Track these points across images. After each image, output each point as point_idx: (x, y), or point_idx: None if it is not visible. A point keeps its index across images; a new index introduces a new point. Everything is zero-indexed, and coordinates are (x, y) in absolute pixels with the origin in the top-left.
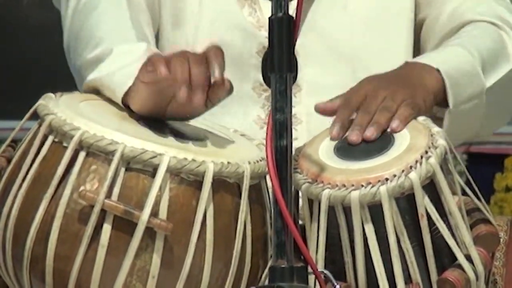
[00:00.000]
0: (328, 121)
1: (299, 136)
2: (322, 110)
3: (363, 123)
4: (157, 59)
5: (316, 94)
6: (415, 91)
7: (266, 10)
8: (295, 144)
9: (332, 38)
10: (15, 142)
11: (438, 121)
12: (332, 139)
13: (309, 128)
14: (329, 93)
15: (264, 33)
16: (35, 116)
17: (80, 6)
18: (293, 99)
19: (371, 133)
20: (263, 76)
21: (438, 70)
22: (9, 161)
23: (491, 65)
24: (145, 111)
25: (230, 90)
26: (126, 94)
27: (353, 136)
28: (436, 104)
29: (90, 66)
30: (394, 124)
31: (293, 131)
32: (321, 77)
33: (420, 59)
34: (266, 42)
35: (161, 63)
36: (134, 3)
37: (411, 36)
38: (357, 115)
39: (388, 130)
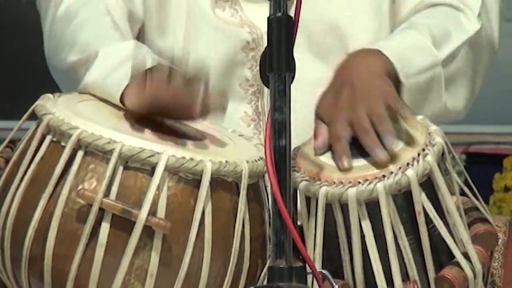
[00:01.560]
0: (312, 114)
1: None
2: (322, 149)
3: (375, 142)
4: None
5: (300, 87)
6: (380, 85)
7: (247, 9)
8: None
9: (315, 32)
10: (13, 143)
11: None
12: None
13: (295, 122)
14: (313, 86)
15: (247, 29)
16: (34, 116)
17: (60, 13)
18: None
19: (393, 143)
20: (261, 76)
21: (379, 51)
22: (7, 161)
23: (444, 38)
24: (141, 110)
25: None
26: (123, 94)
27: (381, 156)
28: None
29: (78, 70)
30: (407, 114)
31: (291, 112)
32: (304, 70)
33: (359, 48)
34: (249, 38)
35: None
36: (112, 11)
37: (389, 27)
38: (363, 139)
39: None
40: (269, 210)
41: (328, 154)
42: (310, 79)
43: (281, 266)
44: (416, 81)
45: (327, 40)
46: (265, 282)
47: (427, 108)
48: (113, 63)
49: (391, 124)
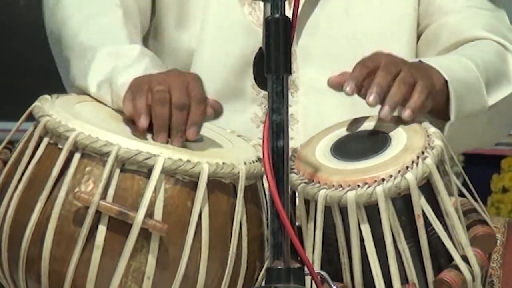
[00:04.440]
0: (324, 121)
1: (295, 136)
2: (334, 84)
3: (383, 84)
4: (141, 105)
5: (313, 95)
6: (426, 78)
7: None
8: (291, 144)
9: (332, 42)
10: (11, 144)
11: None
12: (347, 93)
13: (306, 128)
14: (326, 94)
15: None
16: (32, 117)
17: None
18: (291, 98)
19: (385, 113)
20: (254, 76)
21: (446, 81)
22: (5, 163)
23: (494, 83)
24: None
25: (219, 114)
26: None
27: (370, 97)
28: (432, 112)
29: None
30: (406, 113)
31: (290, 130)
32: (319, 78)
33: (429, 61)
34: None
35: (143, 110)
36: (125, 3)
37: (413, 44)
38: (377, 74)
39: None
40: (267, 211)
41: (328, 155)
42: (325, 87)
43: (279, 267)
44: (461, 123)
45: (344, 50)
46: (263, 284)
47: (461, 145)
48: (117, 65)
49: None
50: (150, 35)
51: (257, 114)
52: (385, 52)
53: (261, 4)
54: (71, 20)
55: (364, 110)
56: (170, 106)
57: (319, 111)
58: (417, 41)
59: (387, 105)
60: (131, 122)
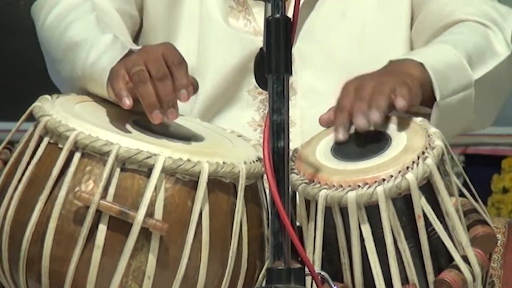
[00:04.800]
0: (321, 126)
1: (293, 139)
2: (325, 123)
3: (363, 109)
4: (119, 87)
5: (310, 98)
6: (401, 77)
7: (260, 19)
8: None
9: (329, 44)
10: (11, 144)
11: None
12: (338, 142)
13: (303, 131)
14: (323, 97)
15: (261, 37)
16: (32, 117)
17: (49, 20)
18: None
19: (376, 117)
20: (255, 76)
21: (422, 64)
22: (5, 163)
23: (478, 59)
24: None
25: (196, 89)
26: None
27: (359, 121)
28: (422, 100)
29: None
30: (399, 101)
31: (289, 113)
32: (316, 81)
33: (403, 56)
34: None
35: (122, 91)
36: (99, 7)
37: (408, 41)
38: (355, 105)
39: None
40: (267, 211)
41: (328, 155)
42: (322, 90)
43: (280, 267)
44: (449, 101)
45: (341, 53)
46: (263, 284)
47: (454, 126)
48: (95, 55)
49: (388, 105)
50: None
51: (254, 119)
52: (355, 78)
53: (257, 15)
54: (51, 38)
55: None
56: (153, 81)
57: (316, 114)
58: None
59: (373, 111)
60: (131, 121)
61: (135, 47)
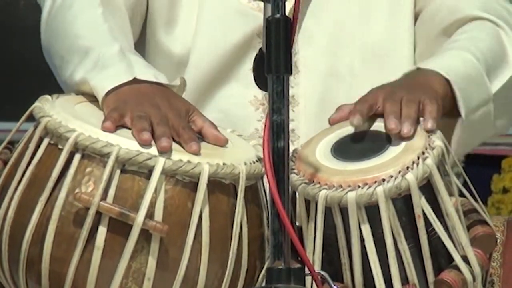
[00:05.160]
0: (324, 104)
1: (296, 118)
2: (336, 120)
3: (397, 111)
4: (112, 120)
5: (314, 77)
6: (431, 93)
7: None
8: (291, 126)
9: (332, 24)
10: (12, 144)
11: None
12: (354, 125)
13: (307, 111)
14: (327, 77)
15: None
16: (33, 118)
17: (57, 4)
18: (291, 80)
19: (408, 129)
20: (254, 76)
21: (447, 80)
22: (5, 163)
23: (495, 70)
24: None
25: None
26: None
27: (392, 124)
28: (444, 113)
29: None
30: (428, 124)
31: (290, 112)
32: (319, 60)
33: (427, 64)
34: None
35: (110, 125)
36: (110, 13)
37: (412, 23)
38: (386, 104)
39: (422, 128)
40: (267, 211)
41: (328, 156)
42: (324, 69)
43: (280, 267)
44: (472, 118)
45: (345, 32)
46: (263, 284)
47: (475, 140)
48: (99, 69)
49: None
50: (143, 37)
51: (256, 97)
52: (382, 86)
53: None
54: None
55: (363, 92)
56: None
57: (320, 93)
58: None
59: (406, 124)
60: None
61: (140, 74)
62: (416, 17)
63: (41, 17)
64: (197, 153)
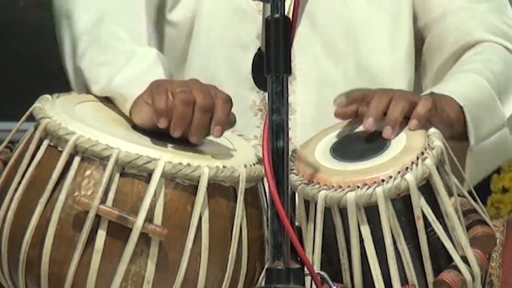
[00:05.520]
0: (320, 112)
1: (293, 127)
2: (343, 114)
3: (380, 108)
4: (161, 104)
5: (310, 84)
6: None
7: None
8: (290, 134)
9: (329, 30)
10: (12, 144)
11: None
12: (368, 129)
13: (304, 118)
14: (323, 83)
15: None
16: (33, 117)
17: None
18: (288, 87)
19: (387, 134)
20: (253, 76)
21: (460, 106)
22: (5, 163)
23: (508, 94)
24: (145, 126)
25: (232, 125)
26: (132, 105)
27: (365, 124)
28: (451, 134)
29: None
30: (411, 124)
31: (288, 113)
32: (315, 67)
33: (440, 89)
34: None
35: (161, 111)
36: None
37: (411, 33)
38: (372, 98)
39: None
40: (267, 212)
41: (327, 156)
42: (320, 76)
43: (279, 267)
44: (483, 145)
45: (340, 39)
46: (263, 284)
47: (491, 166)
48: (132, 71)
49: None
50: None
51: (255, 102)
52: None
53: None
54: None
55: None
56: (193, 108)
57: (316, 100)
58: (420, 38)
59: (387, 127)
60: (131, 125)
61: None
62: (420, 31)
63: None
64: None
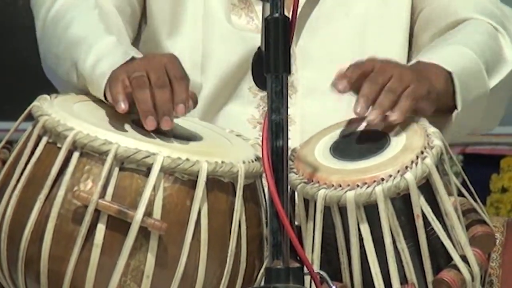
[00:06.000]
0: (321, 123)
1: (292, 137)
2: (339, 81)
3: (370, 95)
4: (116, 91)
5: (311, 97)
6: (421, 77)
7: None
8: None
9: (331, 43)
10: (10, 143)
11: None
12: (339, 91)
13: (303, 130)
14: (324, 96)
15: None
16: (31, 117)
17: (50, 15)
18: (289, 100)
19: (372, 117)
20: (253, 75)
21: (449, 73)
22: (4, 162)
23: (493, 66)
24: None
25: (195, 104)
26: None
27: (356, 108)
28: (437, 106)
29: (68, 67)
30: (393, 116)
31: (288, 113)
32: (317, 80)
33: (427, 57)
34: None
35: (119, 95)
36: (101, 3)
37: (407, 36)
38: (364, 84)
39: (420, 127)
40: (266, 210)
41: (327, 155)
42: (323, 89)
43: (279, 267)
44: (467, 110)
45: (342, 51)
46: (262, 283)
47: (463, 132)
48: (96, 57)
49: (392, 107)
50: (141, 44)
51: (254, 116)
52: (380, 58)
53: (259, 13)
54: (53, 34)
55: None
56: (151, 88)
57: (316, 113)
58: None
59: (374, 112)
60: (129, 120)
61: (137, 54)
62: (414, 20)
63: (36, 27)
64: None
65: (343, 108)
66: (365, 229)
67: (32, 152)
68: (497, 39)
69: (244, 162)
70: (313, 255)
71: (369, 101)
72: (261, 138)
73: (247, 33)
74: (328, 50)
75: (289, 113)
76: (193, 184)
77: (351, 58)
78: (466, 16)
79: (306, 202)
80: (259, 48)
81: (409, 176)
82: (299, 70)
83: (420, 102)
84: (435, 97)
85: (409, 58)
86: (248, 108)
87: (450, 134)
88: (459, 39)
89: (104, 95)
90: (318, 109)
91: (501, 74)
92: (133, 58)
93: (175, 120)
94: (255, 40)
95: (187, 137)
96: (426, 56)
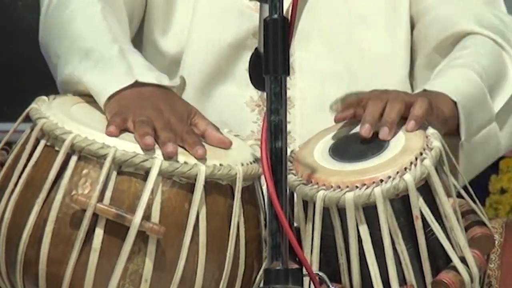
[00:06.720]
0: (321, 105)
1: (292, 120)
2: (342, 118)
3: (376, 112)
4: (115, 124)
5: (310, 78)
6: (424, 97)
7: None
8: (288, 127)
9: (330, 25)
10: (9, 145)
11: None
12: (365, 136)
13: (302, 112)
14: (322, 78)
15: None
16: (30, 118)
17: (54, 2)
18: (287, 81)
19: (383, 135)
20: (250, 76)
21: (454, 102)
22: (2, 164)
23: (496, 89)
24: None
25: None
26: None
27: (362, 130)
28: (447, 130)
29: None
30: (409, 126)
31: (287, 114)
32: (315, 61)
33: (433, 86)
34: None
35: (114, 129)
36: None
37: (408, 29)
38: (368, 103)
39: (402, 129)
40: (265, 212)
41: (326, 156)
42: (321, 71)
43: (278, 268)
44: (474, 140)
45: (341, 33)
46: (261, 285)
47: (483, 159)
48: (101, 66)
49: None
50: (140, 36)
51: (252, 98)
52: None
53: None
54: (53, 28)
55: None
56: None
57: (316, 95)
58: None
59: (384, 129)
60: None
61: (141, 77)
62: (412, 23)
63: (40, 16)
64: (203, 157)
65: (343, 89)
66: (364, 230)
67: (30, 155)
68: (501, 57)
69: (242, 164)
70: (312, 256)
71: (376, 117)
72: (260, 138)
73: (246, 8)
74: (326, 32)
75: (288, 95)
76: (191, 187)
77: (347, 41)
78: (466, 29)
79: (305, 203)
80: (256, 49)
81: (408, 177)
82: (296, 52)
83: (428, 115)
84: (442, 115)
85: (410, 61)
86: (246, 90)
87: (466, 164)
88: (464, 61)
89: None
90: (317, 91)
91: (505, 96)
92: (136, 82)
93: None
94: (253, 19)
95: None
96: (431, 84)
